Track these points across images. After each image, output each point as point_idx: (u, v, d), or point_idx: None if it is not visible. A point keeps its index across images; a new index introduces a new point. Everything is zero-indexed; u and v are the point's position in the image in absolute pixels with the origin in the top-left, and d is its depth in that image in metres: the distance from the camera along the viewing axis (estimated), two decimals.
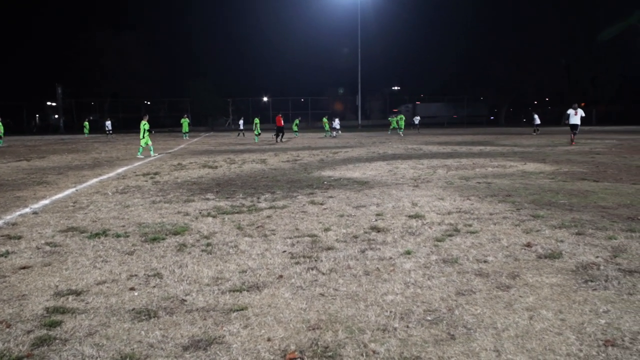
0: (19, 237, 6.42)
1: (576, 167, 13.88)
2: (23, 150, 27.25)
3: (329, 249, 5.70)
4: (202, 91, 73.03)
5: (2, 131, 33.16)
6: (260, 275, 4.81)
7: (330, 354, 3.21)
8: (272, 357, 3.19)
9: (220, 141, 36.25)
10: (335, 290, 4.34)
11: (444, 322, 3.66)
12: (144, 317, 3.82)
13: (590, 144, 24.82)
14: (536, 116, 41.67)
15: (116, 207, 8.59)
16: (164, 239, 6.27)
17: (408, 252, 5.46)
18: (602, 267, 4.82)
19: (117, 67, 69.27)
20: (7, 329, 3.64)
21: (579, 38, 67.52)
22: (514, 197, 8.89)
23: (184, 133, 41.32)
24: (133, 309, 3.99)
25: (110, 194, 10.20)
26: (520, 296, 4.12)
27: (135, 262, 5.30)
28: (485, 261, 5.09)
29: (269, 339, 3.43)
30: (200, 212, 8.02)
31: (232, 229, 6.81)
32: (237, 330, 3.59)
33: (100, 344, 3.39)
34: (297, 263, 5.18)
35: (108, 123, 46.84)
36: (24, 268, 5.13)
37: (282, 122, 34.13)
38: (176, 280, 4.70)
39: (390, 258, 5.28)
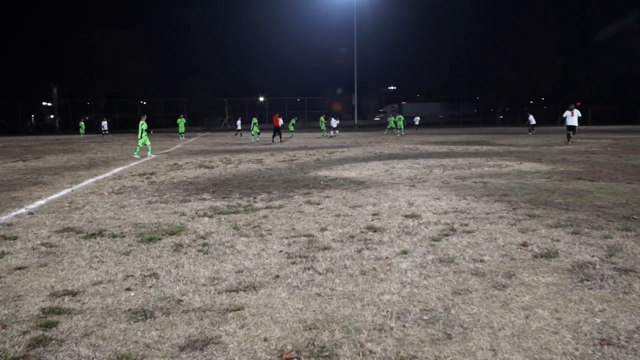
0: (15, 238, 6.40)
1: (572, 167, 13.92)
2: (18, 150, 27.17)
3: (325, 248, 5.70)
4: (198, 91, 72.93)
5: None
6: (256, 275, 4.81)
7: (326, 353, 3.21)
8: (268, 357, 3.19)
9: (216, 141, 36.23)
10: (332, 290, 4.34)
11: (441, 321, 3.66)
12: (140, 318, 3.81)
13: (586, 143, 24.89)
14: (531, 116, 41.73)
15: (112, 208, 8.57)
16: (160, 239, 6.26)
17: (404, 252, 5.46)
18: (597, 266, 4.83)
19: (113, 67, 69.14)
20: (3, 330, 3.63)
21: (575, 38, 67.70)
22: (510, 196, 8.91)
23: (180, 133, 41.23)
24: (129, 310, 3.98)
25: (106, 194, 10.18)
26: (516, 295, 4.13)
27: (131, 263, 5.29)
28: (481, 260, 5.10)
29: (265, 339, 3.43)
30: (196, 212, 8.01)
31: (228, 229, 6.80)
32: (233, 330, 3.59)
33: (96, 345, 3.38)
34: (293, 263, 5.17)
35: (104, 123, 46.73)
36: (19, 269, 5.12)
37: (280, 122, 34.09)
38: (172, 280, 4.70)
39: (387, 258, 5.28)
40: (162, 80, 77.39)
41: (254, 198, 9.35)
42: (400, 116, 44.80)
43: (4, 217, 7.81)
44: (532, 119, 41.34)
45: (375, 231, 6.47)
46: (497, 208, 7.85)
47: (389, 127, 47.58)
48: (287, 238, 6.22)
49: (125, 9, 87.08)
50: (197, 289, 4.43)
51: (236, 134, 45.81)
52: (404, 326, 3.59)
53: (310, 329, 3.58)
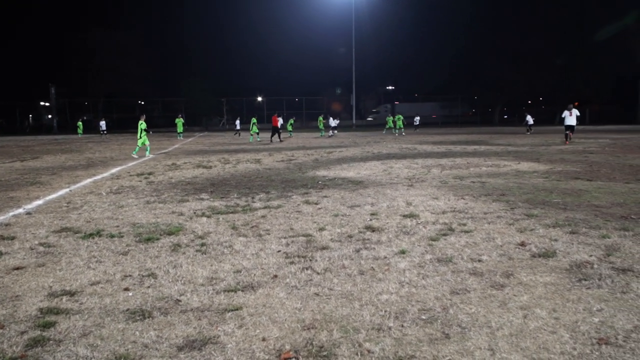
0: (13, 238, 6.39)
1: (570, 167, 13.94)
2: (16, 150, 27.13)
3: (323, 248, 5.70)
4: (196, 91, 72.83)
5: None
6: (254, 275, 4.81)
7: (325, 353, 3.21)
8: (266, 357, 3.19)
9: (214, 141, 36.21)
10: (330, 290, 4.35)
11: (439, 321, 3.66)
12: (138, 318, 3.81)
13: (584, 143, 24.92)
14: (529, 116, 41.77)
15: (110, 208, 8.57)
16: (158, 239, 6.26)
17: (402, 252, 5.47)
18: (595, 266, 4.84)
19: (110, 67, 69.00)
20: (1, 330, 3.62)
21: (573, 38, 67.76)
22: (508, 196, 8.92)
23: (179, 133, 41.21)
24: (127, 310, 3.98)
25: (104, 194, 10.17)
26: (514, 295, 4.13)
27: (129, 263, 5.29)
28: (479, 260, 5.11)
29: (263, 339, 3.43)
30: (194, 212, 8.00)
31: (226, 229, 6.80)
32: (231, 330, 3.58)
33: (94, 345, 3.37)
34: (291, 263, 5.17)
35: (102, 123, 46.69)
36: (17, 269, 5.11)
37: (278, 122, 34.05)
38: (170, 280, 4.69)
39: (385, 257, 5.29)
40: (160, 80, 77.33)
41: (252, 198, 9.35)
42: (400, 116, 44.49)
43: (1, 217, 7.80)
44: (529, 119, 41.40)
45: (373, 231, 6.47)
46: (495, 208, 7.85)
47: (387, 126, 47.58)
48: (285, 238, 6.22)
49: (123, 9, 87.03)
50: (195, 289, 4.43)
51: (235, 133, 45.80)
52: (402, 326, 3.60)
53: (308, 328, 3.58)
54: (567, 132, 25.10)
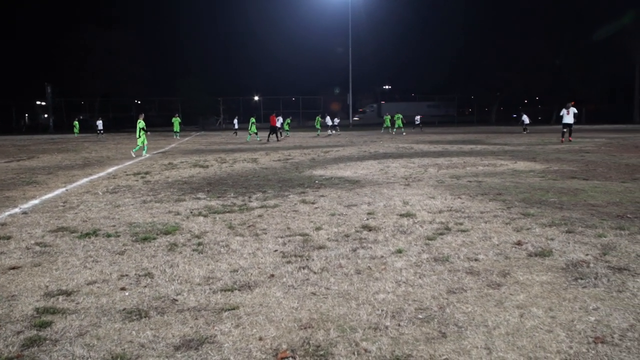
0: (9, 238, 6.37)
1: (566, 166, 13.97)
2: (12, 150, 27.05)
3: (320, 248, 5.70)
4: (193, 90, 72.74)
5: None
6: (251, 274, 4.81)
7: (321, 352, 3.21)
8: (263, 357, 3.19)
9: (211, 140, 36.17)
10: (327, 289, 4.35)
11: (435, 320, 3.67)
12: (135, 317, 3.81)
13: (580, 142, 24.98)
14: (525, 116, 41.84)
15: (107, 207, 8.55)
16: (154, 238, 6.25)
17: (399, 251, 5.47)
18: (591, 265, 4.85)
19: (107, 66, 68.89)
20: None
21: (569, 38, 67.91)
22: (504, 195, 8.93)
23: (175, 132, 41.16)
24: (124, 309, 3.97)
25: (100, 193, 10.15)
26: (510, 294, 4.14)
27: (126, 262, 5.28)
28: (476, 259, 5.12)
29: (260, 338, 3.43)
30: (191, 212, 7.99)
31: (223, 228, 6.80)
32: (228, 329, 3.58)
33: (90, 344, 3.37)
34: (288, 262, 5.17)
35: (99, 122, 46.57)
36: (13, 268, 5.10)
37: (276, 121, 34.01)
38: (167, 280, 4.69)
39: (382, 257, 5.29)
40: (156, 80, 77.28)
41: (249, 197, 9.34)
42: (400, 115, 44.28)
43: None
44: (525, 119, 41.46)
45: (370, 230, 6.47)
46: (491, 207, 7.87)
47: (385, 125, 47.59)
48: (282, 237, 6.22)
49: (119, 8, 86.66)
50: (192, 289, 4.43)
51: (234, 133, 45.77)
52: (399, 325, 3.60)
53: (305, 328, 3.58)
54: (565, 130, 25.31)
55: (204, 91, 73.65)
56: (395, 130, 43.94)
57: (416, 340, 3.36)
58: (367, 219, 7.15)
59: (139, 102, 77.26)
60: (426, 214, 7.40)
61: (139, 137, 21.05)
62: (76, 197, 9.73)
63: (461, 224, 6.71)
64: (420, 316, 3.75)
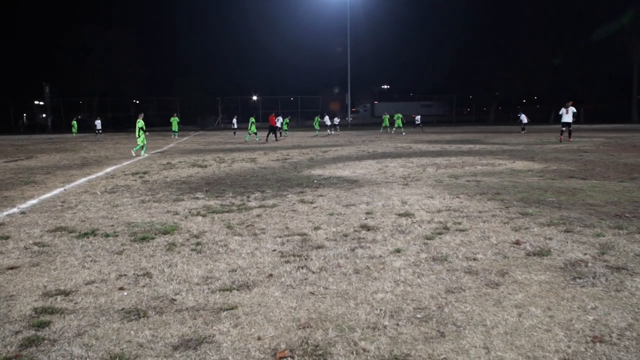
0: (7, 237, 6.36)
1: (564, 165, 13.98)
2: (10, 149, 27.02)
3: (319, 247, 5.70)
4: (191, 90, 72.80)
5: None
6: (250, 274, 4.81)
7: (320, 352, 3.21)
8: (262, 356, 3.18)
9: (209, 140, 36.15)
10: (326, 289, 4.35)
11: (434, 319, 3.67)
12: (133, 317, 3.80)
13: (579, 142, 25.01)
14: (523, 115, 41.85)
15: (105, 207, 8.54)
16: (153, 238, 6.24)
17: (398, 251, 5.47)
18: (590, 264, 4.86)
19: (105, 65, 68.87)
20: None
21: (568, 37, 67.99)
22: (503, 195, 8.94)
23: (174, 132, 41.14)
24: (122, 309, 3.97)
25: (99, 193, 10.14)
26: (509, 293, 4.15)
27: (124, 262, 5.28)
28: (474, 259, 5.12)
29: (259, 338, 3.43)
30: (189, 211, 7.99)
31: (221, 228, 6.79)
32: (227, 329, 3.58)
33: (89, 344, 3.37)
34: (287, 262, 5.17)
35: (98, 122, 46.51)
36: (11, 268, 5.09)
37: (276, 121, 34.01)
38: (166, 279, 4.69)
39: (380, 256, 5.29)
40: (155, 79, 77.30)
41: (248, 197, 9.34)
42: (399, 114, 44.13)
43: None
44: (524, 118, 41.46)
45: (368, 230, 6.48)
46: (490, 206, 7.87)
47: (383, 125, 47.60)
48: (280, 237, 6.22)
49: (117, 8, 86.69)
50: (190, 288, 4.43)
51: (234, 132, 45.76)
52: (398, 324, 3.60)
53: (303, 327, 3.58)
54: (563, 129, 25.45)
55: (202, 91, 73.71)
56: (394, 129, 43.89)
57: (415, 340, 3.36)
58: (366, 219, 7.15)
59: (138, 101, 77.23)
60: (425, 214, 7.41)
61: (139, 136, 21.11)
62: (74, 197, 9.72)
63: (460, 223, 6.72)
64: (419, 316, 3.75)
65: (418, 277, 4.61)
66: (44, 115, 76.28)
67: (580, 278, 4.47)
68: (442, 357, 3.13)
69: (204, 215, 7.64)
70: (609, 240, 5.72)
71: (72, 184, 11.67)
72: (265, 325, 3.64)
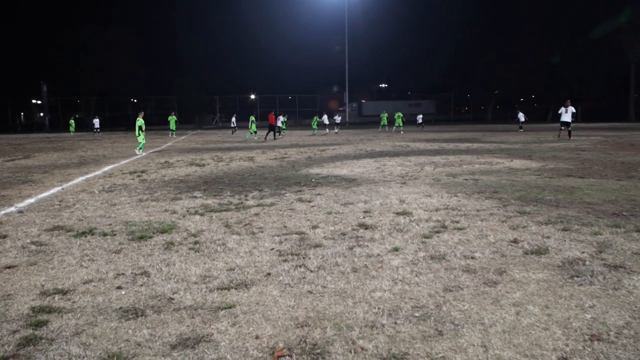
0: (4, 236, 6.35)
1: (562, 164, 14.00)
2: (8, 148, 26.96)
3: (316, 246, 5.70)
4: (189, 89, 72.62)
5: None
6: (248, 273, 4.80)
7: (318, 351, 3.21)
8: (260, 355, 3.18)
9: (207, 139, 36.12)
10: (324, 288, 4.35)
11: (432, 318, 3.67)
12: (131, 316, 3.80)
13: (576, 140, 25.04)
14: (521, 114, 41.89)
15: (103, 206, 8.53)
16: (151, 237, 6.24)
17: (396, 249, 5.47)
18: (587, 263, 4.86)
19: (102, 64, 68.67)
20: None
21: (565, 35, 68.07)
22: (500, 193, 8.95)
23: (172, 131, 41.11)
24: (120, 308, 3.96)
25: (96, 192, 10.13)
26: (507, 292, 4.15)
27: (122, 261, 5.27)
28: (472, 257, 5.12)
29: (257, 337, 3.43)
30: (187, 210, 7.98)
31: (219, 226, 6.79)
32: (225, 328, 3.58)
33: (87, 343, 3.36)
34: (285, 260, 5.17)
35: (96, 121, 46.52)
36: (9, 267, 5.08)
37: (275, 120, 34.03)
38: (164, 278, 4.68)
39: (378, 255, 5.29)
40: (153, 78, 77.11)
41: (246, 196, 9.33)
42: (400, 113, 44.03)
43: None
44: (521, 116, 41.50)
45: (366, 228, 6.48)
46: (488, 205, 7.88)
47: (382, 124, 47.60)
48: (278, 236, 6.21)
49: (115, 6, 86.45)
50: (188, 287, 4.42)
51: (233, 131, 45.73)
52: (396, 323, 3.60)
53: (302, 326, 3.58)
54: (562, 128, 25.57)
55: (200, 90, 73.55)
56: (395, 128, 43.87)
57: (413, 338, 3.36)
58: (364, 217, 7.15)
59: (135, 100, 77.14)
60: (422, 212, 7.41)
61: (139, 135, 21.18)
62: (72, 195, 9.70)
63: (457, 222, 6.72)
64: (417, 314, 3.75)
65: (416, 275, 4.61)
66: (41, 114, 76.16)
67: (577, 276, 4.47)
68: (440, 355, 3.13)
69: (201, 214, 7.64)
70: (607, 238, 5.73)
71: (70, 183, 11.66)
72: (263, 324, 3.64)
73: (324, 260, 5.14)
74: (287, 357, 3.15)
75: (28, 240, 6.15)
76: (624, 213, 7.04)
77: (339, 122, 46.52)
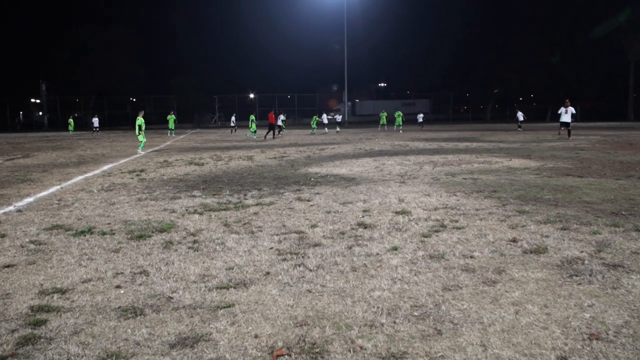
0: (3, 236, 6.35)
1: (561, 163, 14.00)
2: (7, 147, 26.94)
3: (316, 245, 5.70)
4: (188, 88, 72.59)
5: None
6: (247, 272, 4.80)
7: (317, 350, 3.21)
8: (259, 354, 3.18)
9: (206, 138, 36.10)
10: (323, 287, 4.35)
11: (431, 317, 3.67)
12: (130, 315, 3.80)
13: (575, 140, 25.04)
14: (520, 113, 41.89)
15: (101, 205, 8.53)
16: (150, 236, 6.23)
17: (395, 248, 5.47)
18: (586, 262, 4.86)
19: (102, 63, 68.61)
20: None
21: (565, 35, 68.10)
22: (499, 192, 8.95)
23: (170, 130, 41.09)
24: (119, 307, 3.96)
25: (95, 191, 10.12)
26: (506, 291, 4.15)
27: (121, 260, 5.27)
28: (471, 256, 5.12)
29: (256, 336, 3.42)
30: (186, 209, 7.98)
31: (218, 226, 6.79)
32: (224, 327, 3.58)
33: (85, 343, 3.36)
34: (284, 260, 5.17)
35: (95, 120, 46.48)
36: (8, 266, 5.08)
37: (275, 119, 34.06)
38: (163, 277, 4.68)
39: (377, 254, 5.29)
40: (151, 77, 76.96)
41: (245, 195, 9.33)
42: (400, 112, 44.00)
43: None
44: (520, 116, 41.50)
45: (365, 228, 6.48)
46: (487, 204, 7.88)
47: (381, 123, 47.62)
48: (277, 235, 6.21)
49: (114, 5, 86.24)
50: (187, 286, 4.42)
51: (232, 130, 45.72)
52: (395, 322, 3.60)
53: (301, 325, 3.58)
54: (562, 128, 25.60)
55: (199, 89, 73.52)
56: (395, 127, 43.84)
57: (412, 338, 3.36)
58: (363, 217, 7.15)
59: (134, 99, 77.07)
60: (421, 212, 7.41)
61: (139, 134, 21.22)
62: (71, 195, 9.69)
63: (456, 221, 6.72)
64: (416, 313, 3.75)
65: (415, 274, 4.61)
66: (40, 113, 76.11)
67: (576, 276, 4.48)
68: (439, 354, 3.13)
69: (200, 213, 7.64)
70: (606, 237, 5.74)
71: (69, 182, 11.65)
72: (262, 323, 3.64)
73: (323, 260, 5.14)
74: (286, 356, 3.15)
75: (27, 240, 6.14)
76: (623, 212, 7.04)
77: (339, 121, 46.50)
